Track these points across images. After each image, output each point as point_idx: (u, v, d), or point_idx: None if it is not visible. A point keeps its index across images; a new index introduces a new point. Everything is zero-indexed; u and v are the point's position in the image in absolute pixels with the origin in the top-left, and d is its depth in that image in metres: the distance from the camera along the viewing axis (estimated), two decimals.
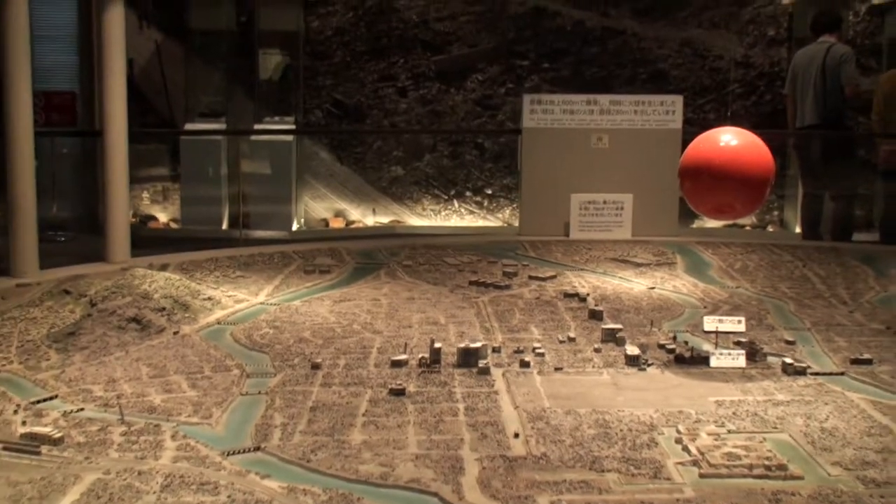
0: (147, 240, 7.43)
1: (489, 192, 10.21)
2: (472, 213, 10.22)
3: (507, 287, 4.75)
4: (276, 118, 9.89)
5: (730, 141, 3.22)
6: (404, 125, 10.30)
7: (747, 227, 9.61)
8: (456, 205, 10.23)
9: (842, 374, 3.37)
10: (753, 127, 9.77)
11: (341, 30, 10.44)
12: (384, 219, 10.18)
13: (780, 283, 4.99)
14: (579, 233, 6.30)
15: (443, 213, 10.23)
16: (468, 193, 10.24)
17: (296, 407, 2.97)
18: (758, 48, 10.24)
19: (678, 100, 6.64)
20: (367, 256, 5.56)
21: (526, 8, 10.33)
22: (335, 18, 10.45)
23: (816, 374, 3.35)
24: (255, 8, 10.17)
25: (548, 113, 6.59)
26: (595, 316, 4.07)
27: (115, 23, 5.17)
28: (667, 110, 6.56)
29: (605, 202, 6.36)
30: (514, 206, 9.74)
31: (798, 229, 8.66)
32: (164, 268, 4.86)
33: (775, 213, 9.83)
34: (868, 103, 8.49)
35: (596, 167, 6.50)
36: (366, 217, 10.20)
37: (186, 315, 4.03)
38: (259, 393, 3.11)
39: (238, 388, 3.16)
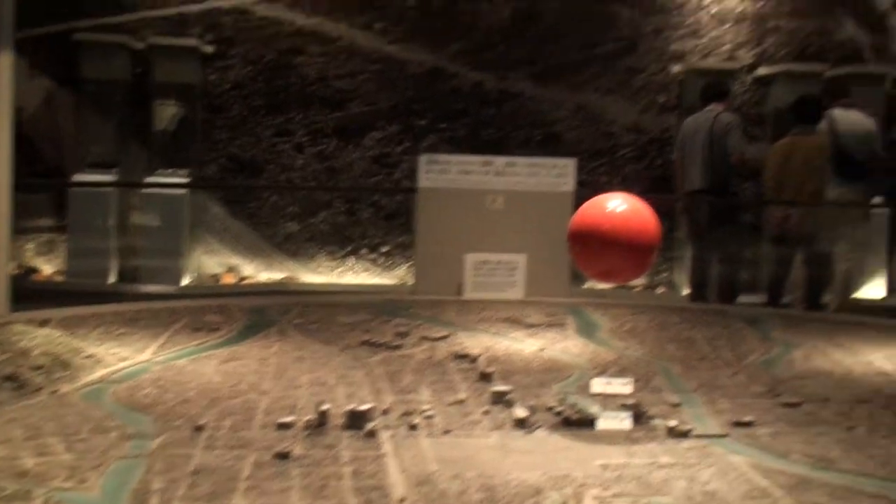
0: (30, 293, 7.19)
1: (385, 249, 10.21)
2: (367, 270, 10.20)
3: (399, 347, 4.73)
4: (170, 170, 9.76)
5: (617, 207, 3.28)
6: (300, 181, 10.27)
7: (637, 289, 9.81)
8: (351, 262, 10.20)
9: (724, 436, 3.42)
10: (644, 191, 10.09)
11: (239, 84, 10.40)
12: (277, 275, 10.09)
13: (667, 344, 5.06)
14: (473, 293, 6.33)
15: (338, 271, 10.18)
16: (363, 251, 10.22)
17: (176, 471, 2.87)
18: (649, 114, 10.55)
19: (571, 163, 6.76)
20: (257, 314, 5.47)
21: (424, 68, 10.46)
22: (233, 72, 10.41)
23: (700, 436, 3.39)
24: (152, 59, 10.07)
25: (444, 173, 6.63)
26: (485, 377, 4.07)
27: (4, 69, 5.04)
28: (560, 173, 6.67)
29: (498, 262, 6.40)
30: (410, 264, 9.76)
31: (686, 291, 8.87)
32: (44, 323, 4.69)
33: (664, 274, 10.05)
34: (753, 171, 8.80)
35: (490, 228, 6.55)
36: (258, 273, 10.09)
37: (66, 373, 3.89)
38: (138, 456, 3.01)
39: (117, 451, 3.05)
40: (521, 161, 6.71)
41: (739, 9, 10.69)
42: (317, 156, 10.29)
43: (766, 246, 9.34)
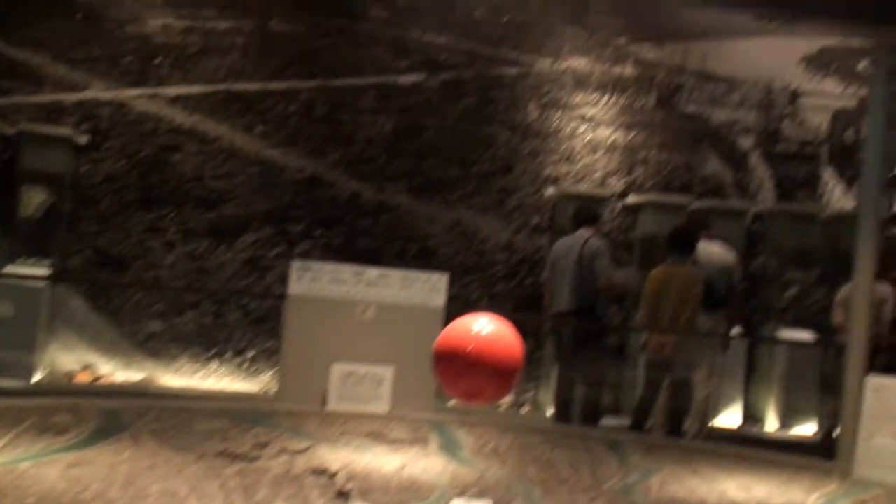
0: None
1: (251, 354, 10.03)
2: (230, 375, 9.98)
3: (257, 458, 4.60)
4: (32, 260, 9.42)
5: (482, 329, 3.30)
6: (168, 280, 10.05)
7: (502, 408, 9.83)
8: (215, 366, 9.97)
9: None
10: (514, 309, 10.17)
11: (112, 177, 10.21)
12: (136, 375, 9.76)
13: (529, 465, 5.06)
14: (337, 404, 6.22)
15: (200, 374, 9.93)
16: (228, 354, 10.01)
17: None
18: (522, 234, 10.75)
19: (443, 278, 6.78)
20: (111, 416, 5.25)
21: (303, 175, 10.48)
22: (107, 164, 10.23)
23: None
24: (21, 145, 9.81)
25: (315, 281, 6.57)
26: (343, 495, 3.98)
27: None
28: (431, 287, 6.69)
29: (365, 374, 6.34)
30: (275, 370, 9.58)
31: (551, 411, 8.92)
32: None
33: (529, 393, 10.12)
34: (619, 295, 9.00)
35: (359, 339, 6.49)
36: (116, 373, 9.75)
37: None
38: None
39: None
40: (394, 273, 6.71)
41: (611, 138, 11.12)
42: (187, 255, 10.11)
43: (630, 369, 9.52)
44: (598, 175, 11.03)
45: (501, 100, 10.95)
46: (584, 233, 8.34)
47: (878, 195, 7.83)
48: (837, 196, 11.50)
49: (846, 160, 11.43)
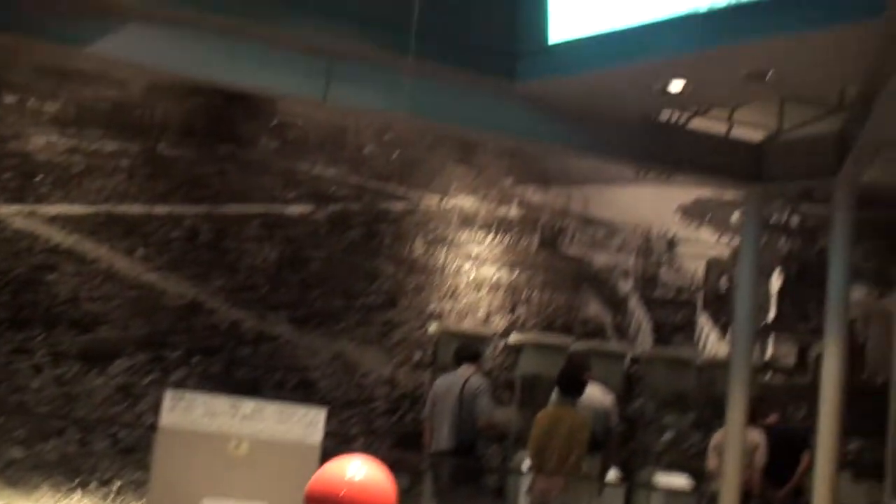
0: None
1: (117, 486, 9.64)
2: None
3: None
4: None
5: (355, 475, 3.24)
6: (33, 404, 9.65)
7: None
8: (78, 496, 9.54)
9: None
10: (393, 445, 10.04)
11: None
12: None
13: None
14: None
15: None
16: (93, 485, 9.60)
17: None
18: (404, 369, 10.72)
19: (321, 413, 6.67)
20: None
21: (183, 300, 10.30)
22: None
23: None
24: None
25: (188, 412, 6.38)
26: None
27: None
28: (309, 422, 6.56)
29: None
30: (143, 502, 9.20)
31: None
32: None
33: None
34: (499, 435, 8.97)
35: (231, 474, 6.29)
36: None
37: None
38: None
39: None
40: (270, 407, 6.57)
41: (495, 277, 11.28)
42: (55, 379, 9.75)
43: None
44: (481, 313, 11.13)
45: (388, 234, 11.05)
46: (465, 370, 8.35)
47: (750, 343, 8.09)
48: (712, 342, 11.84)
49: (720, 307, 11.81)
